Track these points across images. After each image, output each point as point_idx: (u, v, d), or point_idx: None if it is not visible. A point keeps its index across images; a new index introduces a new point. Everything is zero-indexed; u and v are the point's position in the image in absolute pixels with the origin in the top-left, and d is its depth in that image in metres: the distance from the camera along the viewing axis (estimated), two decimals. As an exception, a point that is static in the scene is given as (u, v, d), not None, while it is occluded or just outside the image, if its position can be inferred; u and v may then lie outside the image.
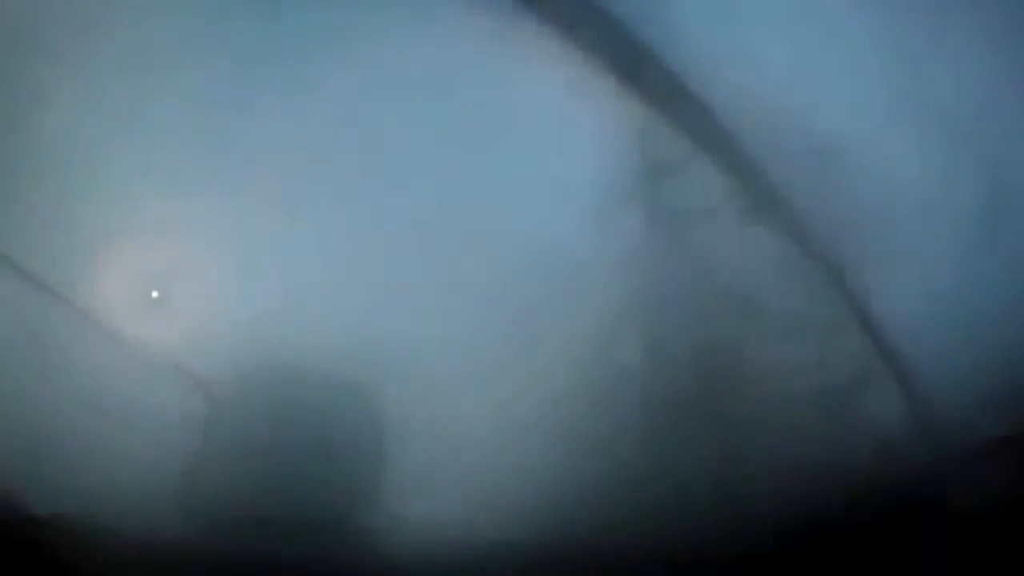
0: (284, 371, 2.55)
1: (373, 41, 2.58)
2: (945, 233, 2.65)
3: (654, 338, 2.57)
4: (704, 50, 2.61)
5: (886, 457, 2.59)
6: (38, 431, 2.53)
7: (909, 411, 2.63)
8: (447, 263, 2.53)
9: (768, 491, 2.55)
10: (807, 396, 2.59)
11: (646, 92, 2.61)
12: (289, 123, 2.55)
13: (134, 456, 2.49)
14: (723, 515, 2.54)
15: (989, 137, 2.70)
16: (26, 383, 2.55)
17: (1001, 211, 2.69)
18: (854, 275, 2.63)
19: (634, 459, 2.55)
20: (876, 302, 2.63)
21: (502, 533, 2.49)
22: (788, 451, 2.56)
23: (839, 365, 2.62)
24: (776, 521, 2.53)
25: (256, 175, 2.55)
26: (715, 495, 2.55)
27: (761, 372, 2.59)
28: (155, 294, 2.54)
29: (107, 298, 2.56)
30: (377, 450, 2.54)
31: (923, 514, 2.56)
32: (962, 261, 2.65)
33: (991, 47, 2.73)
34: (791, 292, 2.62)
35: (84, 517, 2.51)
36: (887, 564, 2.54)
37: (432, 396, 2.51)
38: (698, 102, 2.61)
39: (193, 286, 2.54)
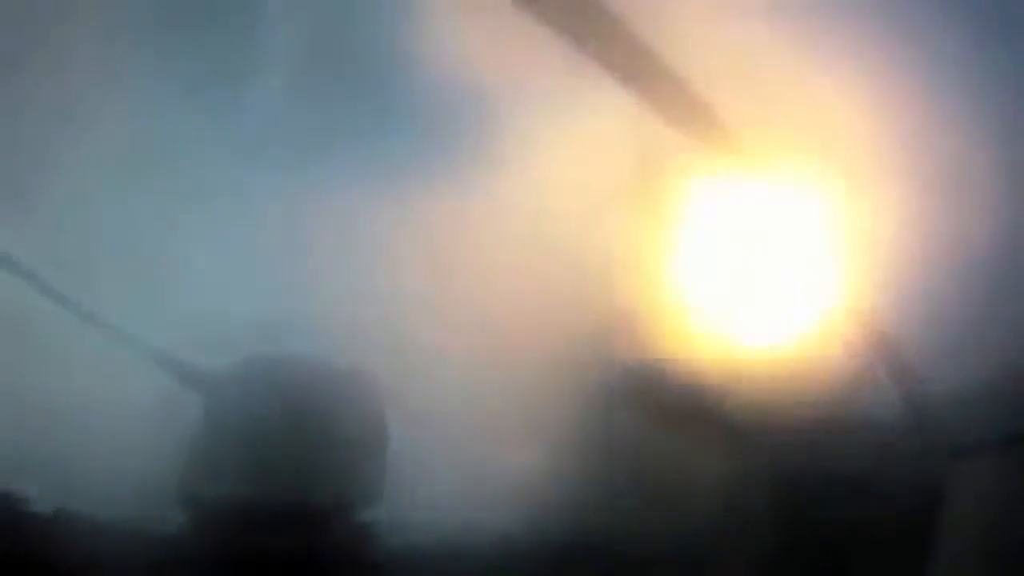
0: (282, 367, 2.55)
1: (374, 41, 2.59)
2: (946, 232, 2.65)
3: (652, 337, 2.58)
4: (704, 50, 2.61)
5: (885, 456, 2.59)
6: (37, 429, 2.53)
7: (908, 410, 2.62)
8: (447, 260, 2.53)
9: (767, 490, 2.54)
10: (807, 396, 2.58)
11: (646, 92, 2.61)
12: (289, 120, 2.56)
13: (133, 452, 2.49)
14: (722, 514, 2.54)
15: (990, 137, 2.70)
16: (26, 382, 2.55)
17: (1003, 210, 2.69)
18: (854, 273, 2.63)
19: (633, 457, 2.54)
20: (876, 301, 2.64)
21: (500, 526, 2.49)
22: (788, 449, 2.55)
23: (838, 364, 2.62)
24: (776, 517, 2.53)
25: (255, 173, 2.55)
26: (714, 494, 2.55)
27: (760, 372, 2.59)
28: (153, 291, 2.54)
29: (105, 296, 2.57)
30: (375, 444, 2.54)
31: (922, 511, 2.56)
32: (963, 261, 2.64)
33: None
34: (791, 290, 2.62)
35: (85, 514, 2.51)
36: (887, 561, 2.54)
37: (431, 391, 2.51)
38: (698, 102, 2.62)
39: (191, 283, 2.55)
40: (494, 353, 2.53)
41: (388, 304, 2.52)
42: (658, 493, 2.53)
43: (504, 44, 2.56)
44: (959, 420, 2.59)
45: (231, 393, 2.53)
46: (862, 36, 2.61)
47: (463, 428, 2.49)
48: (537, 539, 2.47)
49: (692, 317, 2.56)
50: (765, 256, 2.63)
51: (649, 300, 2.58)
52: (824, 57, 2.54)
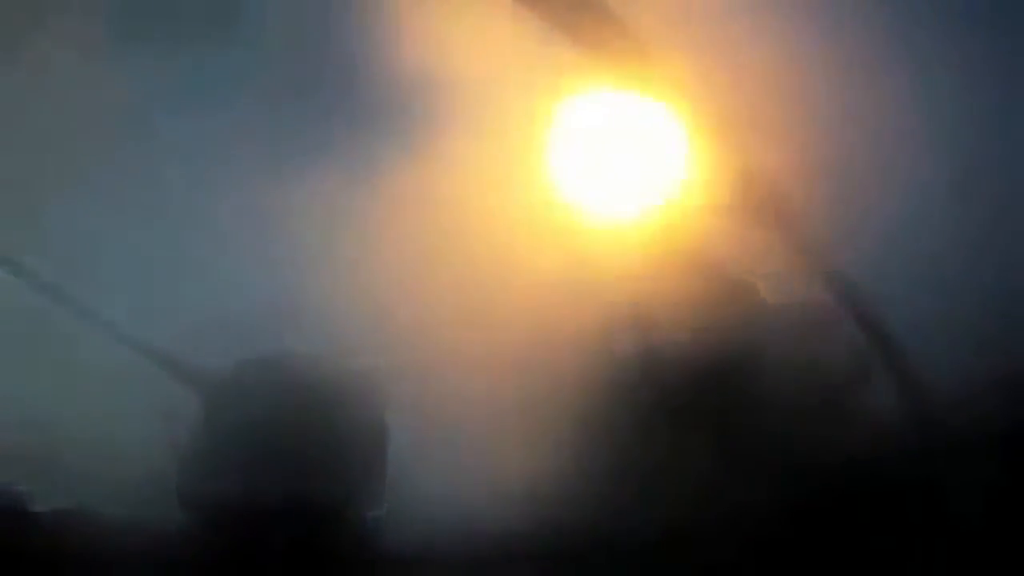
0: (281, 367, 2.56)
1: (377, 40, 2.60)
2: (944, 230, 2.65)
3: (653, 333, 2.58)
4: (701, 48, 2.62)
5: (884, 450, 2.59)
6: (37, 429, 2.54)
7: (907, 405, 2.63)
8: (448, 256, 2.54)
9: (766, 483, 2.55)
10: (806, 391, 2.59)
11: (643, 89, 2.62)
12: (288, 120, 2.57)
13: (133, 451, 2.50)
14: (720, 507, 2.54)
15: (989, 139, 2.70)
16: (26, 382, 2.55)
17: (1000, 209, 2.69)
18: (853, 270, 2.63)
19: (634, 451, 2.55)
20: (875, 298, 2.64)
21: (500, 523, 2.49)
22: (787, 445, 2.56)
23: (838, 360, 2.62)
24: (775, 512, 2.53)
25: (253, 176, 2.56)
26: (713, 487, 2.55)
27: (760, 367, 2.60)
28: (153, 291, 2.55)
29: (106, 296, 2.57)
30: (375, 444, 2.54)
31: (920, 506, 2.56)
32: (962, 257, 2.65)
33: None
34: (791, 287, 2.62)
35: (86, 512, 2.52)
36: (884, 555, 2.54)
37: (431, 391, 2.52)
38: (697, 98, 2.62)
39: (191, 284, 2.56)
40: (495, 353, 2.53)
41: (388, 304, 2.53)
42: (657, 490, 2.53)
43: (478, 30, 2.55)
44: (959, 418, 2.59)
45: (231, 393, 2.54)
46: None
47: (463, 428, 2.50)
48: (537, 538, 2.47)
49: (686, 309, 2.56)
50: (762, 253, 2.63)
51: (649, 295, 2.58)
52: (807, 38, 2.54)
